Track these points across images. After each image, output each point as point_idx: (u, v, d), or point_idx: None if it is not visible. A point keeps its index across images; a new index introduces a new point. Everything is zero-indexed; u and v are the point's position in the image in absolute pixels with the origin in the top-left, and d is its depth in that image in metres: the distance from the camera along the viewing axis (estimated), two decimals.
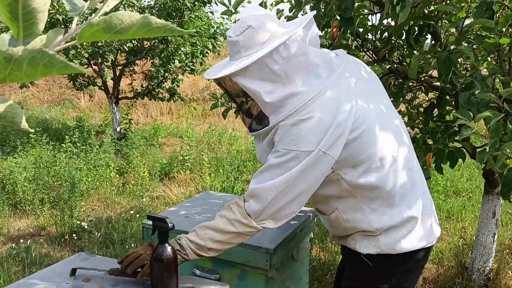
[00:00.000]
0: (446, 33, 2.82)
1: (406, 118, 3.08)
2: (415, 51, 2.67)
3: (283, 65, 1.52)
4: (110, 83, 7.78)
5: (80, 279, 1.79)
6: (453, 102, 2.72)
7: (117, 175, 6.08)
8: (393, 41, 2.77)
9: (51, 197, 5.10)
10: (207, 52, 7.55)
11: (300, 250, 2.46)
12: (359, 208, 1.72)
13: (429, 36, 2.59)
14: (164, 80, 7.65)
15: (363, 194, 1.68)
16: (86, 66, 7.33)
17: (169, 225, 1.70)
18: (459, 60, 2.69)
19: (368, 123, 1.61)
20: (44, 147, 6.30)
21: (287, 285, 2.43)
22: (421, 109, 2.88)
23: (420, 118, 2.85)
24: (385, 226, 1.71)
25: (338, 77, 1.61)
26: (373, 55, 2.92)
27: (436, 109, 2.69)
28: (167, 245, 1.72)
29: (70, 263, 1.95)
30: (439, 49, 2.41)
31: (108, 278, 1.78)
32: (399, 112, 3.12)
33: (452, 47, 2.25)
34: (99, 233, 4.53)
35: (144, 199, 5.43)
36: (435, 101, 2.67)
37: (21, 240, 4.41)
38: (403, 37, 2.71)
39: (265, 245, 2.13)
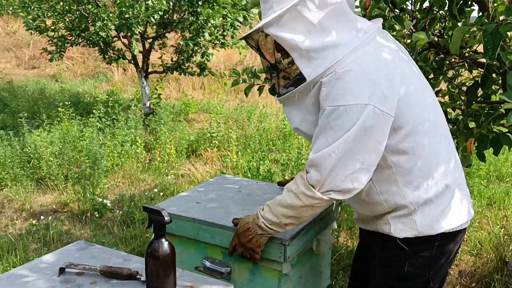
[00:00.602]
0: (495, 3, 2.48)
1: (446, 98, 2.79)
2: (458, 23, 2.36)
3: (318, 13, 1.48)
4: (139, 57, 7.63)
5: (73, 271, 1.63)
6: (500, 82, 2.45)
7: (144, 151, 5.97)
8: (434, 12, 2.46)
9: (75, 173, 5.03)
10: (238, 25, 7.27)
11: (320, 242, 2.24)
12: (393, 180, 1.64)
13: (475, 6, 2.34)
14: (193, 54, 7.44)
15: (400, 163, 1.61)
16: (115, 39, 7.20)
17: (166, 218, 1.51)
18: (508, 34, 2.36)
19: (411, 83, 1.58)
20: (72, 121, 6.24)
21: (305, 281, 2.22)
22: (464, 89, 2.68)
23: (462, 98, 2.57)
24: (420, 200, 1.64)
25: (376, 34, 1.57)
26: (411, 28, 2.61)
27: (480, 89, 2.44)
28: (163, 240, 1.53)
29: (66, 253, 1.79)
30: (486, 20, 2.10)
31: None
32: (439, 91, 2.82)
33: (501, 18, 1.94)
34: (121, 212, 4.43)
35: (169, 177, 5.30)
36: (479, 80, 2.42)
37: (42, 217, 4.35)
38: (446, 7, 2.42)
39: (279, 235, 1.92)
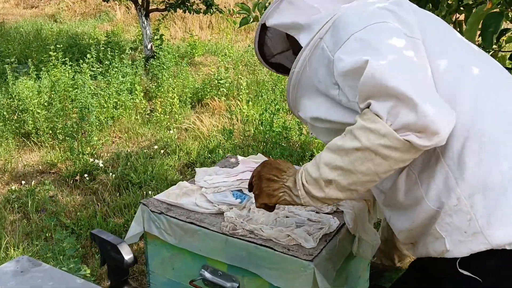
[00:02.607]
0: None
1: None
2: None
3: None
4: None
5: None
6: None
7: (144, 101, 5.34)
8: None
9: (63, 128, 4.43)
10: None
11: (362, 243, 1.65)
12: (440, 165, 1.15)
13: None
14: None
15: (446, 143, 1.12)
16: None
17: (126, 258, 0.91)
18: None
19: (434, 27, 1.29)
20: (64, 67, 5.56)
21: None
22: None
23: None
24: (479, 186, 1.11)
25: None
26: None
27: None
28: None
29: None
30: None
31: None
32: None
33: None
34: (115, 174, 3.86)
35: (171, 131, 4.69)
36: None
37: (23, 182, 3.81)
38: None
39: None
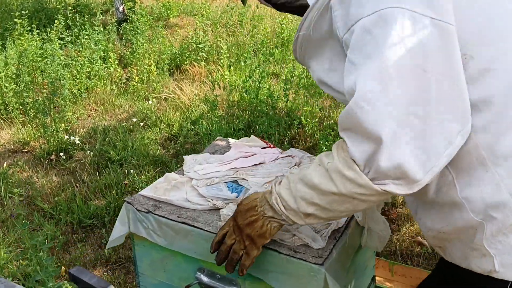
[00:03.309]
0: None
1: None
2: None
3: None
4: None
5: None
6: None
7: (119, 68, 5.05)
8: None
9: (34, 103, 4.15)
10: None
11: (372, 234, 1.50)
12: (488, 174, 0.97)
13: None
14: None
15: (482, 127, 0.97)
16: None
17: None
18: None
19: None
20: (30, 35, 5.19)
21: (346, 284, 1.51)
22: None
23: None
24: None
25: None
26: None
27: None
28: None
29: None
30: None
31: None
32: None
33: None
34: (92, 151, 3.64)
35: (150, 102, 4.45)
36: None
37: None
38: None
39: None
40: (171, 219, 1.44)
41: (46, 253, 1.75)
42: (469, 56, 0.95)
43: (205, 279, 1.45)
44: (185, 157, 1.75)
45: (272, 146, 1.82)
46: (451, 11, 0.94)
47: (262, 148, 1.80)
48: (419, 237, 2.70)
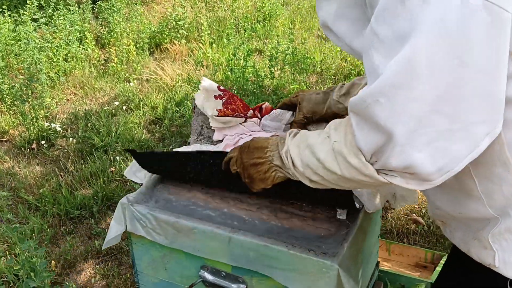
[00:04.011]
0: None
1: None
2: None
3: None
4: None
5: None
6: None
7: (96, 49, 4.88)
8: None
9: (10, 90, 3.97)
10: None
11: (397, 198, 1.47)
12: (503, 161, 0.89)
13: None
14: None
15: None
16: None
17: None
18: None
19: None
20: (1, 17, 4.96)
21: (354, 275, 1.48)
22: None
23: None
24: None
25: None
26: None
27: None
28: None
29: None
30: None
31: None
32: None
33: None
34: (75, 138, 3.52)
35: (131, 83, 4.31)
36: None
37: None
38: None
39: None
40: (172, 217, 1.37)
41: (39, 258, 1.66)
42: None
43: (209, 277, 1.39)
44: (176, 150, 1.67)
45: (243, 112, 1.70)
46: None
47: (240, 123, 1.70)
48: (414, 215, 2.69)
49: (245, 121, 1.68)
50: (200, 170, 1.43)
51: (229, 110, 1.63)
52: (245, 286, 1.35)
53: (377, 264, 1.78)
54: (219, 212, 1.40)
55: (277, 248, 1.24)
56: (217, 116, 1.61)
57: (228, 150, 1.59)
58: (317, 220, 1.36)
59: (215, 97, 1.64)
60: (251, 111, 1.68)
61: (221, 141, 1.66)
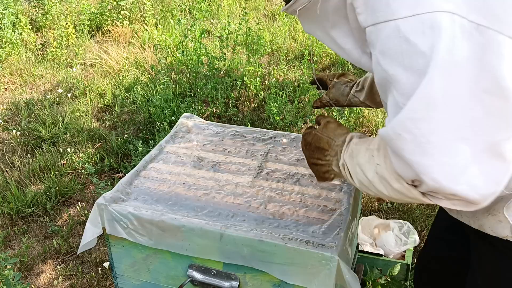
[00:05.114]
0: None
1: None
2: None
3: None
4: None
5: None
6: None
7: (32, 33, 4.56)
8: None
9: None
10: None
11: None
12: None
13: None
14: None
15: None
16: None
17: None
18: None
19: None
20: None
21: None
22: None
23: None
24: None
25: None
26: None
27: None
28: None
29: None
30: None
31: None
32: None
33: None
34: (19, 130, 3.28)
35: (74, 69, 4.06)
36: None
37: None
38: None
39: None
40: (155, 216, 1.28)
41: (11, 270, 1.51)
42: None
43: (198, 276, 1.32)
44: None
45: None
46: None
47: None
48: None
49: None
50: None
51: None
52: (238, 283, 1.29)
53: (357, 246, 1.78)
54: (205, 206, 1.33)
55: (273, 242, 1.19)
56: None
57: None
58: (308, 208, 1.32)
59: None
60: None
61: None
